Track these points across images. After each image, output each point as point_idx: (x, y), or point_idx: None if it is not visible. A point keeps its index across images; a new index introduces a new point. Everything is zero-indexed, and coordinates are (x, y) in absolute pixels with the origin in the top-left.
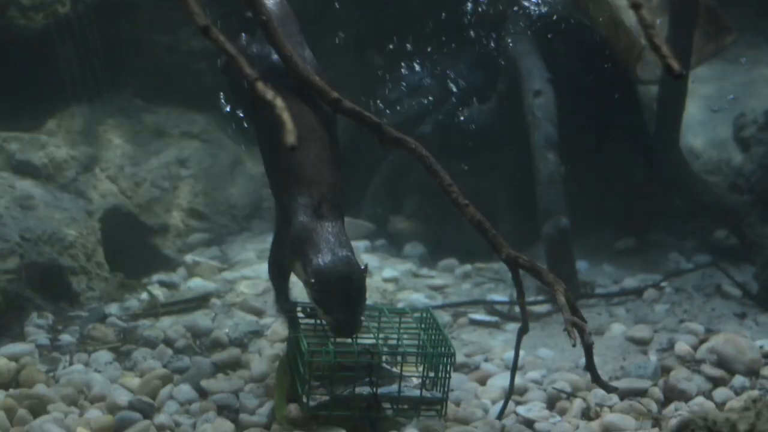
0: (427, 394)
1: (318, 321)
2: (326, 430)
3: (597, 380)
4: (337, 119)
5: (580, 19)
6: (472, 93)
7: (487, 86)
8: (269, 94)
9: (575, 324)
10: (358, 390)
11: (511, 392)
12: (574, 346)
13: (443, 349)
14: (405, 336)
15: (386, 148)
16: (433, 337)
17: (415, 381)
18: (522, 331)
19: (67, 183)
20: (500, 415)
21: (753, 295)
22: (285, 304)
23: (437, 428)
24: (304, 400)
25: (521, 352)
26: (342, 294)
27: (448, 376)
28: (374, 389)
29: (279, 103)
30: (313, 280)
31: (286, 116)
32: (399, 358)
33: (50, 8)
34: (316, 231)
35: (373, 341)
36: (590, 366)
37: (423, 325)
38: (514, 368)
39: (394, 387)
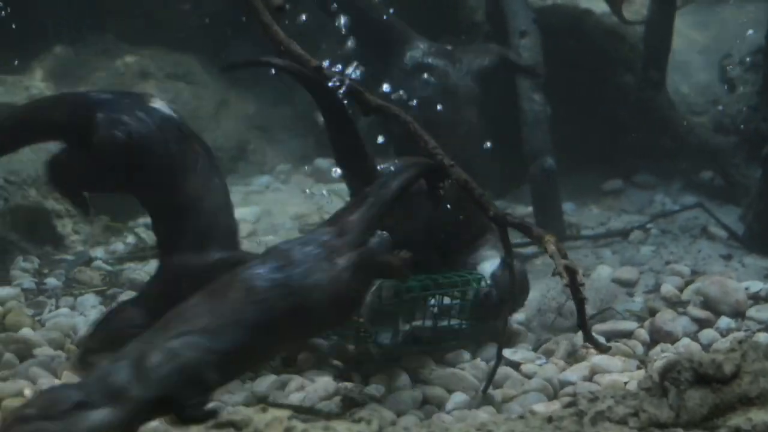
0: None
1: None
2: None
3: (589, 338)
4: None
5: None
6: None
7: None
8: None
9: (568, 267)
10: (416, 324)
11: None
12: (566, 286)
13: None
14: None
15: (369, 116)
16: None
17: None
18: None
19: None
20: (494, 370)
21: (738, 237)
22: None
23: (425, 371)
24: (374, 339)
25: None
26: None
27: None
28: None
29: None
30: None
31: None
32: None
33: None
34: None
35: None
36: (582, 322)
37: None
38: (503, 327)
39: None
